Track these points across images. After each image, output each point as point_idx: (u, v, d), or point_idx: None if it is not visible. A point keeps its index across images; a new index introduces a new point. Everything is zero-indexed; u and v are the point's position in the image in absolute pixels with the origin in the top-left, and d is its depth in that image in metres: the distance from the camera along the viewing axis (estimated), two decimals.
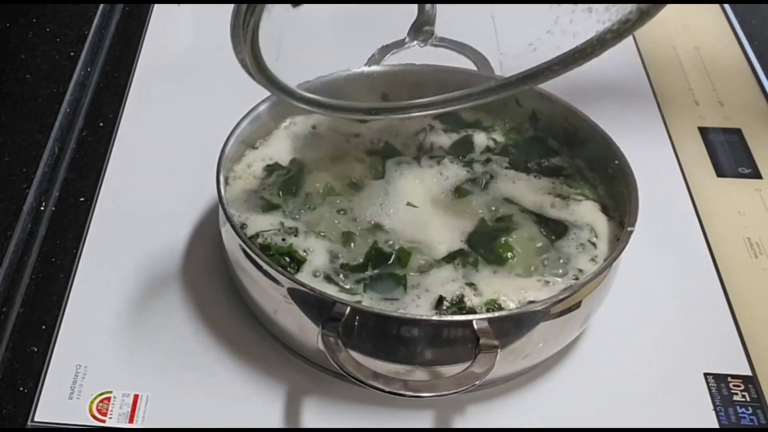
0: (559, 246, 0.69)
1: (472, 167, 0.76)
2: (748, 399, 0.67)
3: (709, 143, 0.87)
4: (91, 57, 0.92)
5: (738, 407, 0.66)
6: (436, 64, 0.81)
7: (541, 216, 0.72)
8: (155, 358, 0.68)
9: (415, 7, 1.00)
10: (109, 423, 0.64)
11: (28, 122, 0.82)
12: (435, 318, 0.62)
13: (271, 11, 0.62)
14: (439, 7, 1.00)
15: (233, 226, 0.65)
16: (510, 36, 0.97)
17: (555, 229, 0.71)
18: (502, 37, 0.91)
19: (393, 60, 0.82)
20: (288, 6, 0.96)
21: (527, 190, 0.74)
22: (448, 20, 0.97)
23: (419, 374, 0.63)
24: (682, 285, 0.75)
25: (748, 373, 0.69)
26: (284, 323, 0.66)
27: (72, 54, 0.90)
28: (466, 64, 0.83)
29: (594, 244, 0.69)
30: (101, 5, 0.96)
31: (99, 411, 0.64)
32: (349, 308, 0.61)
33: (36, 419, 0.64)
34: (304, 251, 0.67)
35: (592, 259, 0.68)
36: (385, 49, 0.83)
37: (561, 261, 0.68)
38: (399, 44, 0.84)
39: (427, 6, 0.76)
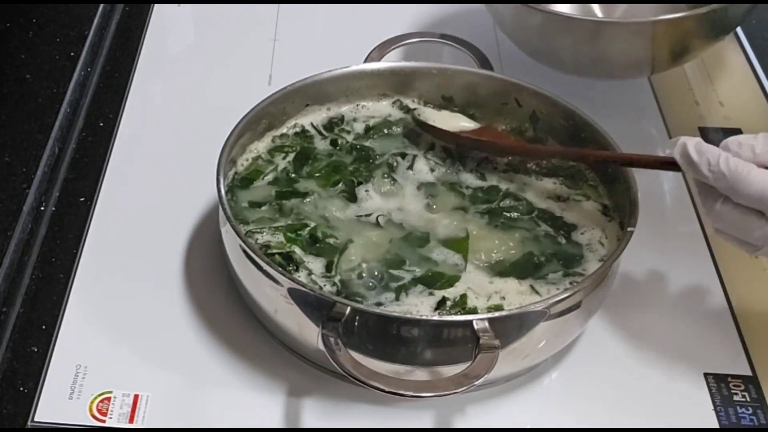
0: (563, 245, 0.70)
1: (464, 164, 0.76)
2: (748, 399, 0.67)
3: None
4: (91, 57, 0.92)
5: (738, 407, 0.66)
6: (435, 62, 0.81)
7: (543, 215, 0.72)
8: (155, 358, 0.68)
9: (413, 5, 1.00)
10: (109, 423, 0.64)
11: (28, 122, 0.82)
12: (435, 318, 0.62)
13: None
14: (439, 6, 1.01)
15: (233, 226, 0.65)
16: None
17: (558, 229, 0.71)
18: (502, 35, 0.91)
19: (391, 57, 0.82)
20: (283, 6, 0.97)
21: (526, 190, 0.74)
22: (447, 17, 0.98)
23: (419, 374, 0.63)
24: (682, 285, 0.75)
25: (748, 373, 0.69)
26: (284, 323, 0.66)
27: (72, 54, 0.90)
28: (466, 61, 0.83)
29: (602, 244, 0.70)
30: (101, 5, 0.96)
31: (99, 411, 0.64)
32: (349, 308, 0.61)
33: (36, 419, 0.64)
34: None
35: (601, 260, 0.68)
36: (384, 47, 0.83)
37: (563, 261, 0.69)
38: (397, 41, 0.84)
39: None
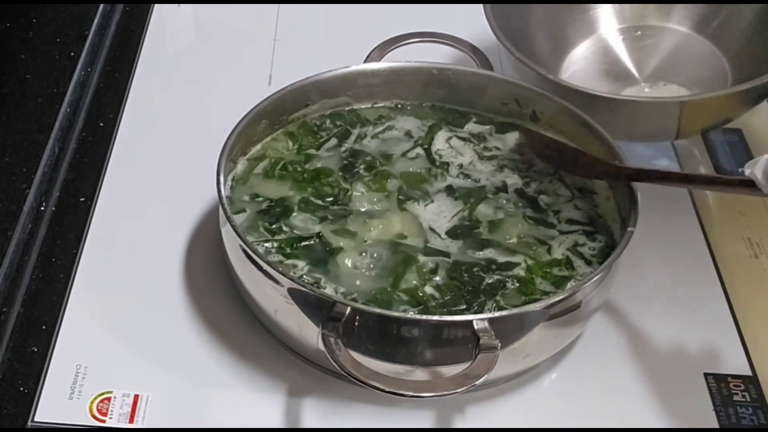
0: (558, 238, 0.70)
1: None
2: (748, 399, 0.67)
3: (709, 143, 0.87)
4: (91, 57, 0.92)
5: (738, 407, 0.66)
6: (435, 62, 0.81)
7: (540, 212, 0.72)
8: (155, 358, 0.68)
9: (413, 5, 1.00)
10: (109, 423, 0.64)
11: (28, 122, 0.82)
12: (435, 318, 0.62)
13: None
14: (440, 6, 1.01)
15: (233, 226, 0.65)
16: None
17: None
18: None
19: (391, 57, 0.82)
20: (283, 6, 0.96)
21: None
22: (447, 17, 0.98)
23: (419, 374, 0.63)
24: (682, 285, 0.75)
25: (748, 373, 0.69)
26: (284, 323, 0.66)
27: (72, 54, 0.90)
28: (466, 61, 0.83)
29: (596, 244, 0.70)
30: (101, 5, 0.96)
31: (99, 411, 0.64)
32: (349, 308, 0.61)
33: (36, 419, 0.64)
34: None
35: (589, 259, 0.69)
36: (384, 46, 0.83)
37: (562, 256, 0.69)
38: (397, 41, 0.84)
39: None
